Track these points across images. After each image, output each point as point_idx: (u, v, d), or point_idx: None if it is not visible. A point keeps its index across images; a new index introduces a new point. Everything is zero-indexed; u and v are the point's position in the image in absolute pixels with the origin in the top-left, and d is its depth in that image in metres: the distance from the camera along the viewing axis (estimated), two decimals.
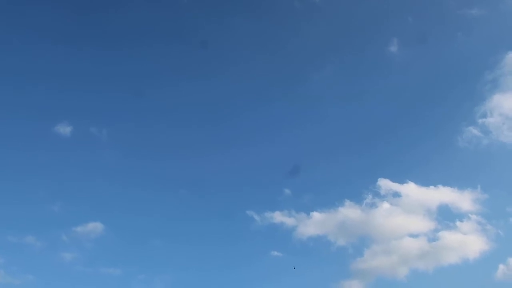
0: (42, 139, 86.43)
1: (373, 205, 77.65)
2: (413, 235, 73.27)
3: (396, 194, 77.23)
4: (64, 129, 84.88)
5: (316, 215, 77.50)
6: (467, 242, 70.81)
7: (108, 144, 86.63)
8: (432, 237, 72.44)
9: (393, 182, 77.85)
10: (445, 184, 77.66)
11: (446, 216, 74.76)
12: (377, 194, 77.58)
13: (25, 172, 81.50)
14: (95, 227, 74.61)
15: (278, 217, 76.94)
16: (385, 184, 77.89)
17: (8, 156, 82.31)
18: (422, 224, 74.29)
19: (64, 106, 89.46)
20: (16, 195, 78.16)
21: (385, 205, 77.12)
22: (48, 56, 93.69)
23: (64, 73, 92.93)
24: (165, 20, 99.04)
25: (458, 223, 73.52)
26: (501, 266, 67.19)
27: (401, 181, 78.22)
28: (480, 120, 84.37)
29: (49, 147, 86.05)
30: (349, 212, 77.29)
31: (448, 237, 71.84)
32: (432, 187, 78.27)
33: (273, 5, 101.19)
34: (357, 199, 78.72)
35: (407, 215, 76.35)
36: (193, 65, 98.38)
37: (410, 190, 77.86)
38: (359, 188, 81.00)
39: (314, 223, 76.45)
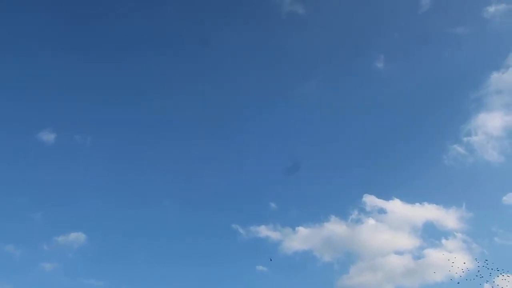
0: (25, 146, 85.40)
1: (358, 221, 77.76)
2: (399, 252, 73.26)
3: (382, 211, 77.48)
4: (48, 136, 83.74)
5: (301, 230, 77.21)
6: (453, 260, 70.66)
7: (92, 153, 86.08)
8: (417, 255, 72.38)
9: (379, 198, 78.14)
10: (430, 201, 78.05)
11: (432, 234, 75.10)
12: (362, 210, 77.78)
13: (6, 179, 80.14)
14: (77, 237, 73.56)
15: (263, 231, 76.56)
16: (370, 200, 78.10)
17: None
18: (407, 241, 74.34)
19: (48, 114, 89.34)
20: None
21: (371, 221, 77.32)
22: (34, 63, 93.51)
23: (49, 80, 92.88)
24: (154, 32, 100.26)
25: (443, 241, 73.80)
26: (486, 285, 67.15)
27: (387, 198, 78.62)
28: (465, 139, 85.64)
29: (32, 154, 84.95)
30: (334, 227, 77.23)
31: (433, 254, 71.62)
32: (417, 204, 78.62)
33: (259, 18, 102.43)
34: (343, 214, 79.14)
35: (392, 232, 76.48)
36: (180, 77, 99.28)
37: (396, 206, 78.11)
38: (344, 204, 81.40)
39: (300, 238, 76.19)
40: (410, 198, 78.72)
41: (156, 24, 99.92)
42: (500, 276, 50.21)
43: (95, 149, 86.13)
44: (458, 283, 55.44)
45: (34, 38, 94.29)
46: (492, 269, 51.91)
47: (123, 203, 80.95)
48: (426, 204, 77.84)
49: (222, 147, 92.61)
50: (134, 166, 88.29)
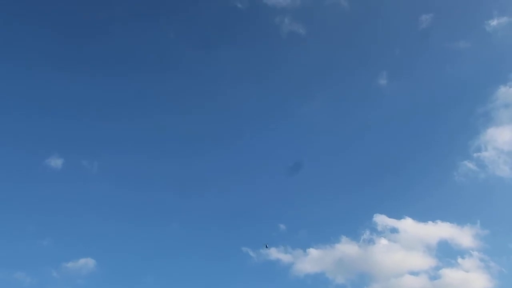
0: (33, 172, 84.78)
1: (370, 241, 76.34)
2: (414, 273, 71.47)
3: (394, 230, 76.14)
4: (55, 162, 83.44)
5: (312, 251, 75.77)
6: (470, 280, 69.20)
7: (99, 177, 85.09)
8: (433, 275, 70.58)
9: (390, 217, 76.85)
10: (443, 219, 76.74)
11: (447, 253, 73.64)
12: (374, 230, 76.43)
13: (14, 206, 79.20)
14: (86, 263, 72.51)
15: (274, 253, 75.09)
16: (381, 219, 76.81)
17: None
18: (422, 261, 72.83)
19: (56, 139, 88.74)
20: (5, 230, 75.92)
21: (383, 241, 75.91)
22: (40, 87, 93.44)
23: (51, 105, 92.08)
24: (155, 50, 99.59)
25: (459, 259, 72.24)
26: None
27: (398, 217, 77.35)
28: (475, 154, 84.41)
29: (40, 180, 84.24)
30: (346, 248, 75.81)
31: (450, 274, 70.21)
32: (430, 222, 77.22)
33: (259, 38, 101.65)
34: (354, 235, 77.42)
35: (406, 252, 75.05)
36: (180, 94, 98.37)
37: (408, 225, 76.81)
38: (355, 224, 79.72)
39: (311, 260, 74.66)
40: (422, 216, 77.49)
41: (157, 42, 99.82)
42: None
43: (102, 173, 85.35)
44: None
45: (37, 60, 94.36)
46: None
47: (132, 227, 79.81)
48: (439, 222, 76.68)
49: (227, 166, 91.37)
50: (141, 188, 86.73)
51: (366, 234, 76.15)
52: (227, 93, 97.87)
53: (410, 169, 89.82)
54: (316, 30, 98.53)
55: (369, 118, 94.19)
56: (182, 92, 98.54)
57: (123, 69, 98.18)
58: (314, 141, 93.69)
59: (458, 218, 76.56)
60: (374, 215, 76.95)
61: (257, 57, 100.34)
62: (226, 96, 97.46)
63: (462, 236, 74.55)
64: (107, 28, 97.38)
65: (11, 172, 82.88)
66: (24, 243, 74.21)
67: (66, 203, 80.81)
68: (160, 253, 77.49)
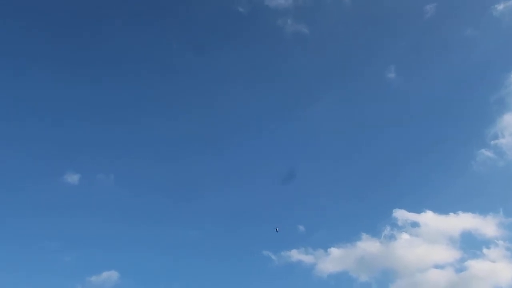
0: (52, 190, 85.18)
1: (391, 237, 75.47)
2: (439, 266, 70.45)
3: (415, 224, 75.22)
4: (72, 177, 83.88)
5: (334, 251, 75.15)
6: (497, 270, 67.87)
7: (116, 189, 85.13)
8: (459, 267, 69.62)
9: (410, 212, 75.96)
10: (465, 210, 75.73)
11: (472, 244, 72.40)
12: (394, 226, 75.54)
13: (35, 225, 79.55)
14: (110, 275, 72.40)
15: (295, 255, 74.66)
16: (401, 214, 75.89)
17: (19, 211, 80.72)
18: (446, 253, 71.74)
19: (71, 155, 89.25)
20: (28, 248, 76.57)
21: (405, 236, 74.98)
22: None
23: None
24: (158, 53, 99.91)
25: (485, 250, 70.95)
26: None
27: (418, 211, 76.36)
28: (492, 142, 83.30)
29: (59, 197, 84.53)
30: (367, 245, 74.95)
31: (476, 266, 68.98)
32: (452, 214, 76.21)
33: (262, 39, 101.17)
34: (374, 232, 76.74)
35: (429, 245, 74.06)
36: (184, 97, 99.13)
37: (429, 219, 75.76)
38: (374, 221, 79.09)
39: (333, 260, 74.03)
40: (442, 208, 76.77)
41: (160, 46, 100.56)
42: None
43: (119, 185, 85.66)
44: None
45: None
46: None
47: (153, 236, 79.63)
48: (460, 213, 75.68)
49: (241, 168, 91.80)
50: (160, 194, 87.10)
51: (387, 230, 75.43)
52: (235, 95, 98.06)
53: (427, 162, 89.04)
54: (320, 29, 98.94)
55: (381, 113, 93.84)
56: (188, 95, 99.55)
57: (129, 72, 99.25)
58: (327, 140, 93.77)
59: (480, 207, 75.87)
60: (394, 210, 76.22)
61: (261, 59, 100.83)
62: (235, 98, 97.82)
63: (486, 226, 73.45)
64: (113, 31, 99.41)
65: (31, 193, 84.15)
66: (47, 260, 75.17)
67: (86, 218, 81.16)
68: (183, 259, 77.86)
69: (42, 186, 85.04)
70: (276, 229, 67.39)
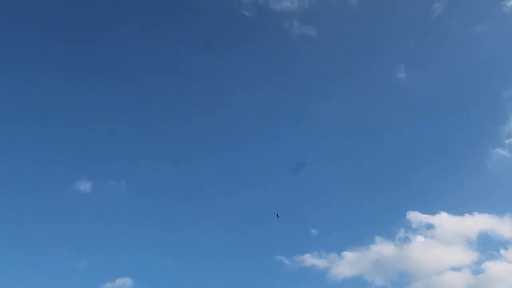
0: (64, 198, 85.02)
1: (406, 240, 74.69)
2: (456, 268, 69.56)
3: (430, 226, 74.39)
4: (84, 186, 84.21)
5: (347, 254, 74.47)
6: None
7: (128, 195, 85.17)
8: (476, 269, 68.65)
9: (424, 213, 75.20)
10: (481, 211, 74.51)
11: (489, 245, 71.30)
12: (409, 228, 74.77)
13: (48, 233, 79.65)
14: (123, 282, 72.25)
15: (308, 259, 74.03)
16: (415, 216, 75.09)
17: (33, 219, 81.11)
18: (463, 255, 70.77)
19: (83, 162, 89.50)
20: (40, 256, 76.48)
21: (419, 238, 74.12)
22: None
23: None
24: (166, 56, 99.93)
25: (502, 251, 69.81)
26: None
27: (432, 212, 75.47)
28: (507, 141, 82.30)
29: (72, 204, 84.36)
30: (382, 248, 74.19)
31: (494, 267, 67.93)
32: (467, 215, 75.16)
33: (269, 43, 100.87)
34: (388, 234, 76.02)
35: (445, 247, 73.11)
36: (195, 100, 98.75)
37: (444, 220, 74.90)
38: (388, 223, 78.32)
39: (347, 263, 73.38)
40: (458, 209, 75.68)
41: (168, 49, 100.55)
42: None
43: (131, 192, 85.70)
44: None
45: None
46: None
47: (166, 241, 79.64)
48: (476, 214, 74.55)
49: (248, 173, 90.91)
50: (171, 198, 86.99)
51: (401, 233, 74.78)
52: (244, 97, 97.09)
53: (440, 162, 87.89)
54: (327, 30, 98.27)
55: (391, 113, 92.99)
56: (198, 98, 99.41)
57: (138, 77, 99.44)
58: (338, 142, 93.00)
59: (496, 208, 74.52)
60: (407, 213, 75.49)
61: (269, 61, 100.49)
62: (244, 100, 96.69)
63: (503, 226, 72.30)
64: (123, 36, 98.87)
65: (44, 202, 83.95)
66: (60, 268, 74.86)
67: (99, 225, 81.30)
68: (196, 264, 77.34)
69: (55, 194, 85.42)
70: (277, 214, 66.26)
